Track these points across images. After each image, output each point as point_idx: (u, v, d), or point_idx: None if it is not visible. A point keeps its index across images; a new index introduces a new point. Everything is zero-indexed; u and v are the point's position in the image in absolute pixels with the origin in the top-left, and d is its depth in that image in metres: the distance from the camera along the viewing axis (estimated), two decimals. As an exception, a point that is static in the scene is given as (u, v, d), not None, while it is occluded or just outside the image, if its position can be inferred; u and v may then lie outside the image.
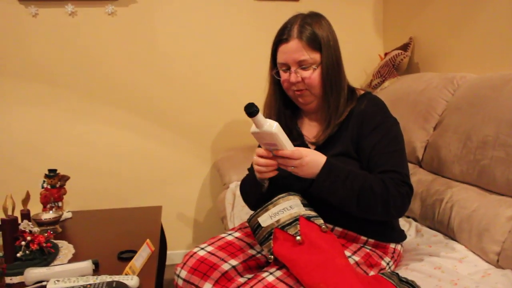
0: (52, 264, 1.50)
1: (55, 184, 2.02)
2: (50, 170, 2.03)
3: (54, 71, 2.48)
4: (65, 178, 2.06)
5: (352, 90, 1.50)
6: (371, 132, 1.40)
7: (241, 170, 1.68)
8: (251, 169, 1.62)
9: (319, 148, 1.42)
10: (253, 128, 1.25)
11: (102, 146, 2.59)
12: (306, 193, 1.36)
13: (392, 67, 2.48)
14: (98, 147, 2.58)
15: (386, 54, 2.62)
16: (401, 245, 1.51)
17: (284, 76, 1.44)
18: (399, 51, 2.48)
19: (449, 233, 1.63)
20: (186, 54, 2.62)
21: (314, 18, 1.43)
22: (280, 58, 1.43)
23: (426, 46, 2.43)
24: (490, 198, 1.54)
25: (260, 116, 1.21)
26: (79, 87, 2.52)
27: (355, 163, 1.40)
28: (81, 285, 1.24)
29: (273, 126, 1.22)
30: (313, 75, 1.40)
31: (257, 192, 1.44)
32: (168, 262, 2.30)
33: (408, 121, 1.99)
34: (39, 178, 2.05)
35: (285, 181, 1.40)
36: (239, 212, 2.04)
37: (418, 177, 1.87)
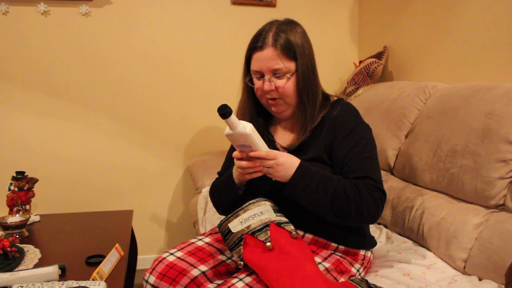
0: (16, 269, 1.45)
1: (22, 186, 1.97)
2: (17, 172, 1.98)
3: (22, 70, 2.41)
4: (33, 181, 2.02)
5: (326, 96, 1.50)
6: (344, 138, 1.41)
7: (215, 175, 1.66)
8: (221, 173, 1.62)
9: (292, 153, 1.41)
10: (227, 130, 1.25)
11: (72, 148, 2.54)
12: (279, 197, 1.36)
13: (366, 75, 2.51)
14: (68, 149, 2.53)
15: (360, 62, 2.64)
16: (371, 252, 1.52)
17: (257, 84, 1.44)
18: (374, 60, 2.51)
19: (419, 240, 1.65)
20: (161, 56, 2.60)
21: (289, 25, 1.42)
22: (254, 66, 1.42)
23: (399, 55, 2.47)
24: (459, 206, 1.57)
25: (233, 117, 1.20)
26: (48, 88, 2.46)
27: (327, 169, 1.41)
28: (45, 291, 1.21)
29: (246, 127, 1.22)
30: (287, 85, 1.40)
31: (232, 196, 1.44)
32: (139, 267, 2.27)
33: (381, 129, 2.02)
34: (6, 180, 1.99)
35: (259, 185, 1.40)
36: (211, 217, 2.03)
37: (389, 184, 1.89)
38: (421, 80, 2.21)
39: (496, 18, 1.81)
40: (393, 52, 2.52)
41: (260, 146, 1.26)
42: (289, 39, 1.38)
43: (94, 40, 2.49)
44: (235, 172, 1.41)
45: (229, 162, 1.58)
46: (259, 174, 1.32)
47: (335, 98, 1.52)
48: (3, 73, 2.40)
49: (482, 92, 1.61)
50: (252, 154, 1.26)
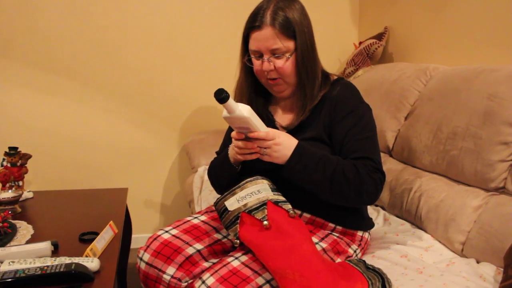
0: (8, 244, 1.43)
1: (15, 162, 1.94)
2: (10, 148, 1.94)
3: (18, 45, 2.37)
4: (26, 157, 1.98)
5: (326, 75, 1.47)
6: (344, 118, 1.38)
7: (211, 154, 1.64)
8: (219, 152, 1.59)
9: (291, 132, 1.39)
10: (225, 113, 1.22)
11: (67, 125, 2.50)
12: (276, 176, 1.33)
13: (366, 56, 2.47)
14: (63, 125, 2.50)
15: (360, 43, 2.61)
16: (369, 233, 1.51)
17: (256, 64, 1.40)
18: (374, 40, 2.47)
19: (417, 222, 1.64)
20: (157, 34, 2.55)
21: (287, 2, 1.37)
22: (253, 46, 1.38)
23: (400, 37, 2.43)
24: (458, 188, 1.56)
25: (231, 101, 1.17)
26: (44, 64, 2.41)
27: (327, 148, 1.38)
28: (37, 267, 1.18)
29: (245, 110, 1.19)
30: (286, 64, 1.36)
31: (228, 175, 1.41)
32: (133, 246, 2.25)
33: (380, 110, 1.99)
34: (-1, 155, 1.97)
35: (256, 164, 1.38)
36: (207, 196, 2.01)
37: (388, 166, 1.87)
38: (422, 62, 2.17)
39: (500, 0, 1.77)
40: (394, 33, 2.48)
41: (259, 127, 1.24)
42: (287, 17, 1.34)
43: (93, 16, 2.44)
44: (231, 151, 1.39)
45: (227, 141, 1.55)
46: (255, 157, 1.29)
47: (335, 77, 1.49)
48: (1, 46, 2.35)
49: (485, 74, 1.59)
50: (251, 134, 1.24)
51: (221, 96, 1.15)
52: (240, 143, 1.28)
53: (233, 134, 1.30)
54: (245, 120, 1.20)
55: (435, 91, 1.78)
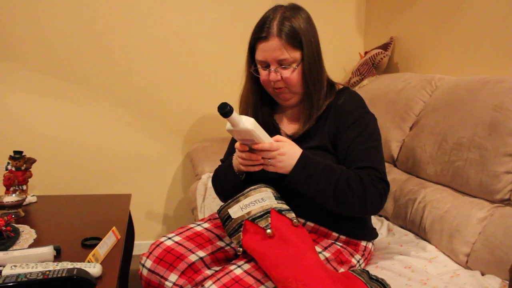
0: (10, 248, 1.43)
1: (20, 166, 1.95)
2: (15, 152, 1.95)
3: (25, 49, 2.38)
4: (31, 161, 1.99)
5: (331, 84, 1.47)
6: (349, 127, 1.38)
7: (215, 162, 1.64)
8: (224, 160, 1.59)
9: (296, 141, 1.39)
10: (228, 126, 1.21)
11: (72, 130, 2.51)
12: (280, 185, 1.33)
13: (371, 66, 2.47)
14: (68, 131, 2.50)
15: (366, 53, 2.61)
16: (372, 243, 1.50)
17: (263, 74, 1.40)
18: (379, 50, 2.47)
19: (421, 233, 1.62)
20: (164, 41, 2.56)
21: (293, 11, 1.37)
22: (259, 56, 1.38)
23: (406, 47, 2.43)
24: (463, 199, 1.54)
25: (235, 115, 1.17)
26: (51, 68, 2.43)
27: (331, 158, 1.38)
28: (39, 271, 1.18)
29: (249, 123, 1.18)
30: (292, 75, 1.36)
31: (232, 184, 1.41)
32: (135, 252, 2.24)
33: (385, 120, 1.99)
34: (4, 159, 1.97)
35: (260, 173, 1.37)
36: (210, 204, 2.01)
37: (392, 176, 1.87)
38: (427, 72, 2.17)
39: (506, 11, 1.77)
40: (400, 43, 2.48)
41: (263, 139, 1.23)
42: (294, 27, 1.34)
43: (98, 22, 2.45)
44: (235, 161, 1.38)
45: (232, 150, 1.55)
46: (259, 168, 1.29)
47: (341, 87, 1.49)
48: (5, 50, 2.36)
49: (490, 85, 1.58)
50: (255, 146, 1.23)
51: (225, 110, 1.15)
52: (244, 155, 1.28)
53: (237, 145, 1.29)
54: (249, 132, 1.19)
55: (441, 101, 1.78)
